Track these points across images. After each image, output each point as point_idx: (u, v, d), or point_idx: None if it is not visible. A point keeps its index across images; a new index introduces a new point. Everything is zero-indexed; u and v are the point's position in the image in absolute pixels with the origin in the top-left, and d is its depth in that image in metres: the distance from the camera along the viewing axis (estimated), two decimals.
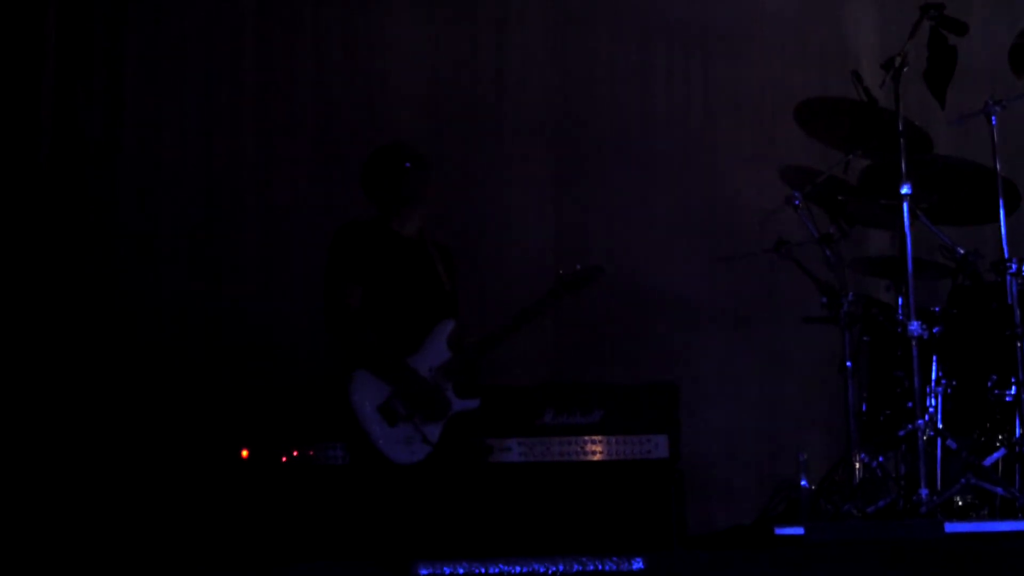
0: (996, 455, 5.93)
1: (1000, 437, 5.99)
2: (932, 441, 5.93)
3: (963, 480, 5.74)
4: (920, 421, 5.74)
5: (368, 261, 5.68)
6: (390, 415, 5.48)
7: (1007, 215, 6.16)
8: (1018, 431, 5.95)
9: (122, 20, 7.71)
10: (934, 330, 6.03)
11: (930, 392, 6.02)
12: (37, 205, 7.27)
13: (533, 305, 5.74)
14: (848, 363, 6.23)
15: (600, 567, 4.81)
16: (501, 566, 4.80)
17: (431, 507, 5.48)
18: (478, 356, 5.67)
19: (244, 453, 6.11)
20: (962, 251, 6.27)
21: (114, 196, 7.56)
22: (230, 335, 7.45)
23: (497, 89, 8.00)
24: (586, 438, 6.17)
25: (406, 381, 5.50)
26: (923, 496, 5.56)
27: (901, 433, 5.89)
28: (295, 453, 6.10)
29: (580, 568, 4.81)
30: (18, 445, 6.56)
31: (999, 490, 5.77)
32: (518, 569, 4.80)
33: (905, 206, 5.85)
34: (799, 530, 5.34)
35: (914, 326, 5.80)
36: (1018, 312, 5.98)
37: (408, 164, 5.78)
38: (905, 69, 5.93)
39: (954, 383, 6.04)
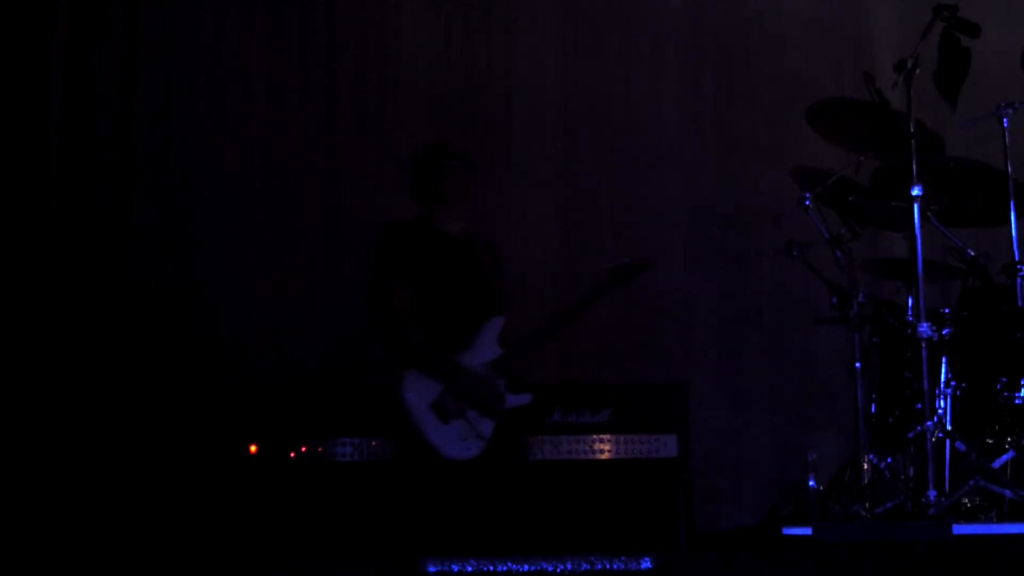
0: (1005, 457, 5.91)
1: (1009, 439, 5.96)
2: (941, 443, 5.92)
3: (972, 482, 5.73)
4: (929, 423, 5.72)
5: (414, 261, 5.70)
6: (443, 412, 5.50)
7: (1019, 217, 6.16)
8: None
9: (134, 19, 7.72)
10: (944, 332, 6.01)
11: (939, 394, 5.99)
12: (48, 206, 7.29)
13: (581, 299, 5.77)
14: (857, 364, 6.24)
15: (608, 566, 4.81)
16: (509, 564, 4.80)
17: (453, 505, 5.50)
18: (528, 351, 5.70)
19: (253, 449, 6.13)
20: (972, 253, 6.26)
21: (125, 196, 7.58)
22: (239, 331, 7.47)
23: (507, 87, 8.01)
24: (595, 437, 6.17)
25: (457, 378, 5.53)
26: (931, 498, 5.54)
27: (910, 435, 5.88)
28: (304, 449, 6.11)
29: (588, 567, 4.81)
30: (28, 442, 6.58)
31: (1008, 492, 5.76)
32: (526, 568, 4.80)
33: (916, 208, 5.84)
34: (807, 530, 5.34)
35: (924, 328, 5.79)
36: None
37: (453, 162, 5.82)
38: (917, 71, 5.91)
39: (964, 385, 6.02)
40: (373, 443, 6.12)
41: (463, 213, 5.90)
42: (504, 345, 5.67)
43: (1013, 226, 6.16)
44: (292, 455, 6.11)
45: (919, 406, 5.85)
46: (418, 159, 5.90)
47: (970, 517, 5.88)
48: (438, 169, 5.83)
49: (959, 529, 5.33)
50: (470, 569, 4.79)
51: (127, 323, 7.29)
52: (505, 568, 4.79)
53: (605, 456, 6.16)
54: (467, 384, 5.53)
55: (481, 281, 5.82)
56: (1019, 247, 6.16)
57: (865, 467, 6.10)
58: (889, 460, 6.11)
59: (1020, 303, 6.07)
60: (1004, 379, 5.99)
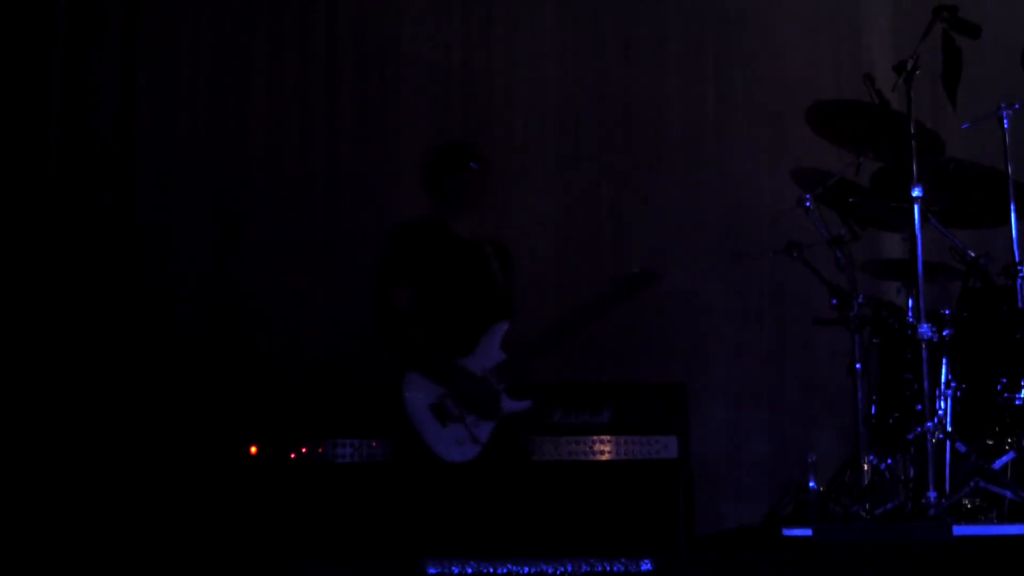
0: (1005, 458, 5.92)
1: (1009, 440, 5.97)
2: (941, 444, 5.91)
3: (972, 483, 5.73)
4: (929, 424, 5.72)
5: (421, 262, 5.63)
6: (442, 415, 5.49)
7: (1019, 218, 6.16)
8: None
9: (134, 19, 7.71)
10: (944, 333, 6.01)
11: (939, 395, 5.99)
12: (48, 206, 7.28)
13: (584, 311, 5.70)
14: (857, 365, 6.23)
15: (608, 568, 4.81)
16: (509, 566, 4.80)
17: (451, 506, 5.49)
18: (531, 358, 5.66)
19: (253, 449, 6.13)
20: (972, 254, 6.26)
21: (125, 196, 7.56)
22: (239, 332, 7.46)
23: (507, 87, 8.00)
24: (595, 438, 6.17)
25: (458, 381, 5.50)
26: (931, 499, 5.54)
27: (910, 436, 5.87)
28: (303, 450, 6.11)
29: (588, 569, 4.81)
30: (29, 442, 6.57)
31: (1008, 493, 5.76)
32: (526, 569, 4.80)
33: (916, 209, 5.83)
34: (807, 531, 5.33)
35: (924, 329, 5.79)
36: None
37: (474, 165, 5.73)
38: (917, 72, 5.91)
39: (964, 386, 6.02)
40: (373, 444, 6.11)
41: (477, 215, 5.83)
42: (507, 350, 5.64)
43: (1013, 227, 6.16)
44: (292, 456, 6.10)
45: (919, 407, 5.85)
46: (437, 158, 5.81)
47: (970, 518, 5.89)
48: (459, 171, 5.76)
49: (959, 530, 5.32)
50: (470, 571, 4.78)
51: (127, 323, 7.27)
52: (505, 570, 4.79)
53: (605, 457, 6.16)
54: (467, 388, 5.50)
55: (487, 285, 5.74)
56: (1019, 248, 6.16)
57: (865, 468, 6.10)
58: (889, 461, 6.11)
59: (1020, 304, 6.07)
60: (1004, 380, 5.99)
